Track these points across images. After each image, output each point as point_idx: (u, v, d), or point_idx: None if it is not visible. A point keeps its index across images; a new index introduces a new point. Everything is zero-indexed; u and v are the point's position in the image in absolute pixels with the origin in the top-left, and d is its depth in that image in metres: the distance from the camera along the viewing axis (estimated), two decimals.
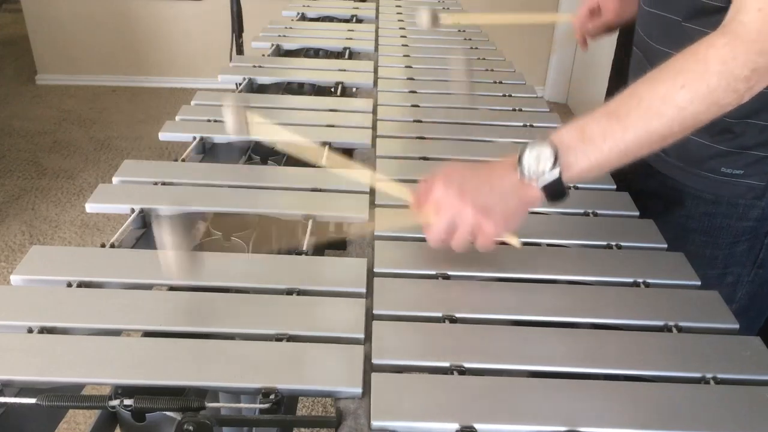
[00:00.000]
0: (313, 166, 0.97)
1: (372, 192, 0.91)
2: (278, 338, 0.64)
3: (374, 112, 1.20)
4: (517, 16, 1.13)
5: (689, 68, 0.63)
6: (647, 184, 0.97)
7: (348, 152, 1.10)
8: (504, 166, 0.69)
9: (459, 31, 1.80)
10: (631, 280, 0.76)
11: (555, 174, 0.65)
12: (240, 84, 1.33)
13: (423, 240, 0.82)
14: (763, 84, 0.63)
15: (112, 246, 0.79)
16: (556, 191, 0.67)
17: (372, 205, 0.89)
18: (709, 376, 0.62)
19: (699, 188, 0.91)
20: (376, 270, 0.76)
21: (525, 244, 0.83)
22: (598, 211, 0.90)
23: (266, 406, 0.56)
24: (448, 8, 2.02)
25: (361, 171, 0.86)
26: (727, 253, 0.93)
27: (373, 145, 1.08)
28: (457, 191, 0.67)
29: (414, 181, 0.95)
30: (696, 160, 0.90)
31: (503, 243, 0.74)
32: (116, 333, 0.66)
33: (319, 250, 0.85)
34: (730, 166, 0.88)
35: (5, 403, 0.57)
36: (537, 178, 0.66)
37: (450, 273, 0.76)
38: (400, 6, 2.03)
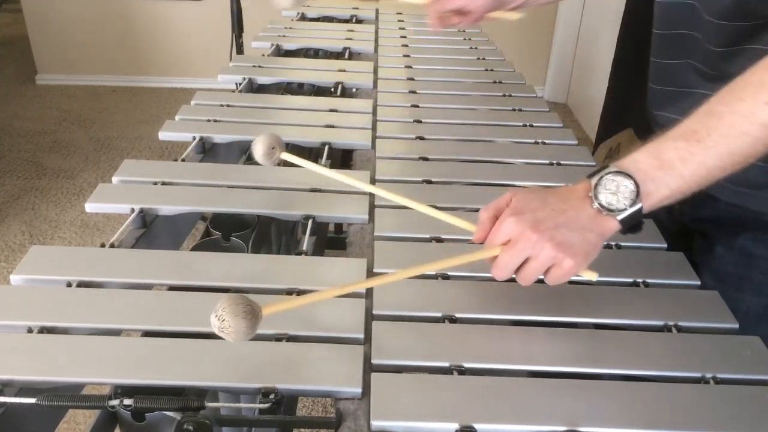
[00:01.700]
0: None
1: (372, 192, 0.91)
2: (278, 338, 0.64)
3: (374, 112, 1.20)
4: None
5: None
6: (704, 210, 0.88)
7: (348, 153, 1.10)
8: (577, 196, 0.63)
9: (458, 31, 1.80)
10: (631, 280, 0.76)
11: (637, 207, 0.60)
12: (240, 84, 1.33)
13: (422, 240, 0.82)
14: None
15: (112, 246, 0.79)
16: (635, 223, 0.62)
17: (372, 206, 0.89)
18: (709, 376, 0.62)
19: (766, 212, 0.82)
20: (376, 270, 0.75)
21: None
22: None
23: (266, 406, 0.56)
24: None
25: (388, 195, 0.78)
26: None
27: (373, 145, 1.08)
28: (531, 224, 0.60)
29: (413, 182, 0.96)
30: (761, 184, 0.82)
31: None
32: (116, 333, 0.65)
33: (319, 250, 0.85)
34: None
35: (5, 403, 0.57)
36: (617, 211, 0.61)
37: (450, 273, 0.76)
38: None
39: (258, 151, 0.81)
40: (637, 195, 0.60)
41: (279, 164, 0.85)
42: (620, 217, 0.61)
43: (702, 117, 0.60)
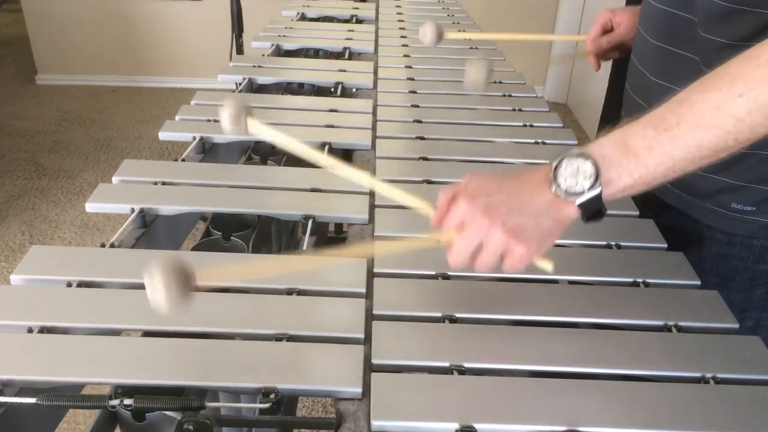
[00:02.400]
0: (313, 166, 0.96)
1: (372, 192, 0.91)
2: (278, 338, 0.64)
3: (374, 112, 1.20)
4: (527, 36, 1.09)
5: (748, 75, 0.54)
6: (662, 217, 0.90)
7: (347, 153, 1.10)
8: (535, 179, 0.60)
9: (459, 31, 1.80)
10: (631, 280, 0.76)
11: (595, 191, 0.58)
12: (240, 84, 1.33)
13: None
14: None
15: (112, 246, 0.80)
16: (594, 210, 0.59)
17: (372, 206, 0.89)
18: (709, 375, 0.62)
19: (711, 224, 0.85)
20: (376, 270, 0.76)
21: None
22: None
23: (266, 405, 0.56)
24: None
25: (365, 176, 0.76)
26: (744, 297, 0.86)
27: (373, 145, 1.08)
28: (483, 208, 0.59)
29: (413, 182, 0.96)
30: (705, 193, 0.84)
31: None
32: (116, 333, 0.66)
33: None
34: (741, 201, 0.82)
35: (5, 403, 0.57)
36: (575, 196, 0.59)
37: (450, 273, 0.76)
38: (400, 6, 2.03)
39: (224, 121, 0.74)
40: (596, 179, 0.58)
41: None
42: (579, 201, 0.59)
43: (674, 105, 0.58)
